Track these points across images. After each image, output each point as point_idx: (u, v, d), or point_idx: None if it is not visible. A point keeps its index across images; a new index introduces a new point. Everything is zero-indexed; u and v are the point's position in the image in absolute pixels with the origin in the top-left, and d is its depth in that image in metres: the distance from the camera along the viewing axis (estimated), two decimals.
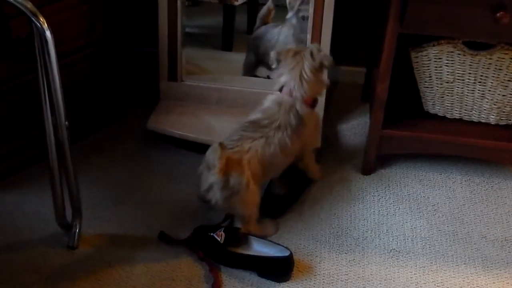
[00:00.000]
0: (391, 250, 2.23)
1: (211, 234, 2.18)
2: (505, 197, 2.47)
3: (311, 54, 2.26)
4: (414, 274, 2.15)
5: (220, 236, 2.17)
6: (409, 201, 2.44)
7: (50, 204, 2.17)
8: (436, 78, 2.44)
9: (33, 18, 1.80)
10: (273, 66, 2.33)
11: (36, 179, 2.44)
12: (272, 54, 2.32)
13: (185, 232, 2.24)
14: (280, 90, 2.31)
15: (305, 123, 2.27)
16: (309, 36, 2.52)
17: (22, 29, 2.03)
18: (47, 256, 2.16)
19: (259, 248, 2.19)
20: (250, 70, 2.82)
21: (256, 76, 2.79)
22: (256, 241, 2.20)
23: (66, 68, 2.42)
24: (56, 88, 1.91)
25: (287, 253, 2.12)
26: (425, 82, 2.47)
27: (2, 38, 1.97)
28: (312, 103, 2.30)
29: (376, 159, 2.54)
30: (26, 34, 1.92)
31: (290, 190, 2.44)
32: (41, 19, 1.80)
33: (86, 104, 2.63)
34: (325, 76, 2.35)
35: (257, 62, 2.80)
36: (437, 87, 2.46)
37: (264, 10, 2.79)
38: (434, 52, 2.38)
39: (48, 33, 1.81)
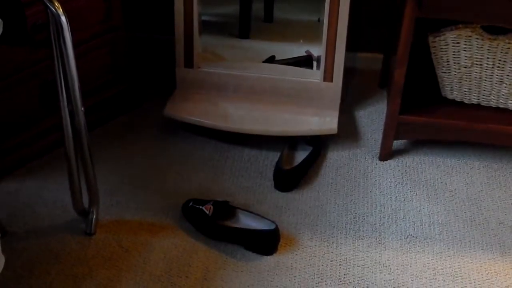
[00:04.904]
0: (408, 236, 2.23)
1: (200, 207, 2.22)
2: None
3: None
4: (431, 260, 2.15)
5: (208, 210, 2.21)
6: (426, 187, 2.43)
7: (68, 191, 2.17)
8: (454, 63, 2.42)
9: (48, 4, 1.80)
10: None
11: (54, 165, 2.45)
12: None
13: None
14: None
15: None
16: (326, 22, 2.50)
17: (39, 15, 2.03)
18: (65, 242, 2.17)
19: (247, 222, 2.22)
20: None
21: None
22: (244, 215, 2.24)
23: (83, 55, 2.44)
24: (72, 74, 1.91)
25: (273, 227, 2.15)
26: (443, 67, 2.45)
27: (18, 24, 1.97)
28: None
29: (394, 145, 2.53)
30: (43, 20, 1.92)
31: (298, 164, 2.46)
32: (56, 4, 1.80)
33: (103, 91, 2.64)
34: None
35: None
36: (455, 72, 2.44)
37: None
38: (452, 37, 2.37)
39: (63, 19, 1.81)
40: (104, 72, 2.62)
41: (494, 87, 2.44)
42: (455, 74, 2.45)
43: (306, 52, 2.78)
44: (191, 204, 2.26)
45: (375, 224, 2.27)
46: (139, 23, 3.04)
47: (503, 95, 2.45)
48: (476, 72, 2.42)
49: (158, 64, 3.02)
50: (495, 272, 2.11)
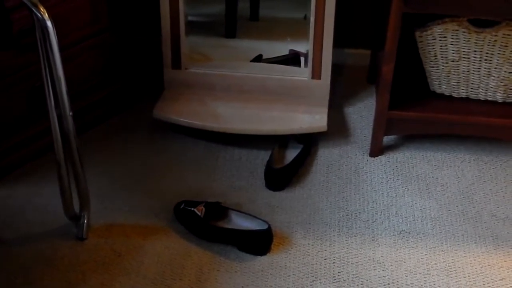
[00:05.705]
0: (401, 232, 2.23)
1: (192, 209, 2.21)
2: None
3: None
4: (425, 254, 2.15)
5: (200, 211, 2.20)
6: (417, 182, 2.43)
7: (59, 196, 2.16)
8: (442, 57, 2.43)
9: (33, 9, 1.79)
10: None
11: (46, 170, 2.43)
12: None
13: None
14: None
15: None
16: (312, 19, 2.50)
17: (25, 20, 2.02)
18: (57, 248, 2.16)
19: (239, 222, 2.22)
20: None
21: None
22: (236, 215, 2.24)
23: (73, 57, 2.43)
24: (59, 78, 1.90)
25: (265, 226, 2.15)
26: (431, 61, 2.46)
27: (4, 29, 1.97)
28: None
29: (384, 141, 2.53)
30: (29, 25, 1.91)
31: (289, 163, 2.46)
32: (42, 10, 1.79)
33: (94, 93, 2.63)
34: None
35: None
36: (443, 66, 2.44)
37: None
38: (439, 31, 2.37)
39: (49, 23, 1.80)
40: (95, 74, 2.61)
41: (482, 80, 2.44)
42: (443, 68, 2.45)
43: (290, 51, 2.78)
44: (182, 206, 2.25)
45: (367, 220, 2.27)
46: (129, 24, 3.03)
47: (491, 87, 2.46)
48: (463, 66, 2.43)
49: (149, 65, 3.01)
50: (488, 265, 2.12)
